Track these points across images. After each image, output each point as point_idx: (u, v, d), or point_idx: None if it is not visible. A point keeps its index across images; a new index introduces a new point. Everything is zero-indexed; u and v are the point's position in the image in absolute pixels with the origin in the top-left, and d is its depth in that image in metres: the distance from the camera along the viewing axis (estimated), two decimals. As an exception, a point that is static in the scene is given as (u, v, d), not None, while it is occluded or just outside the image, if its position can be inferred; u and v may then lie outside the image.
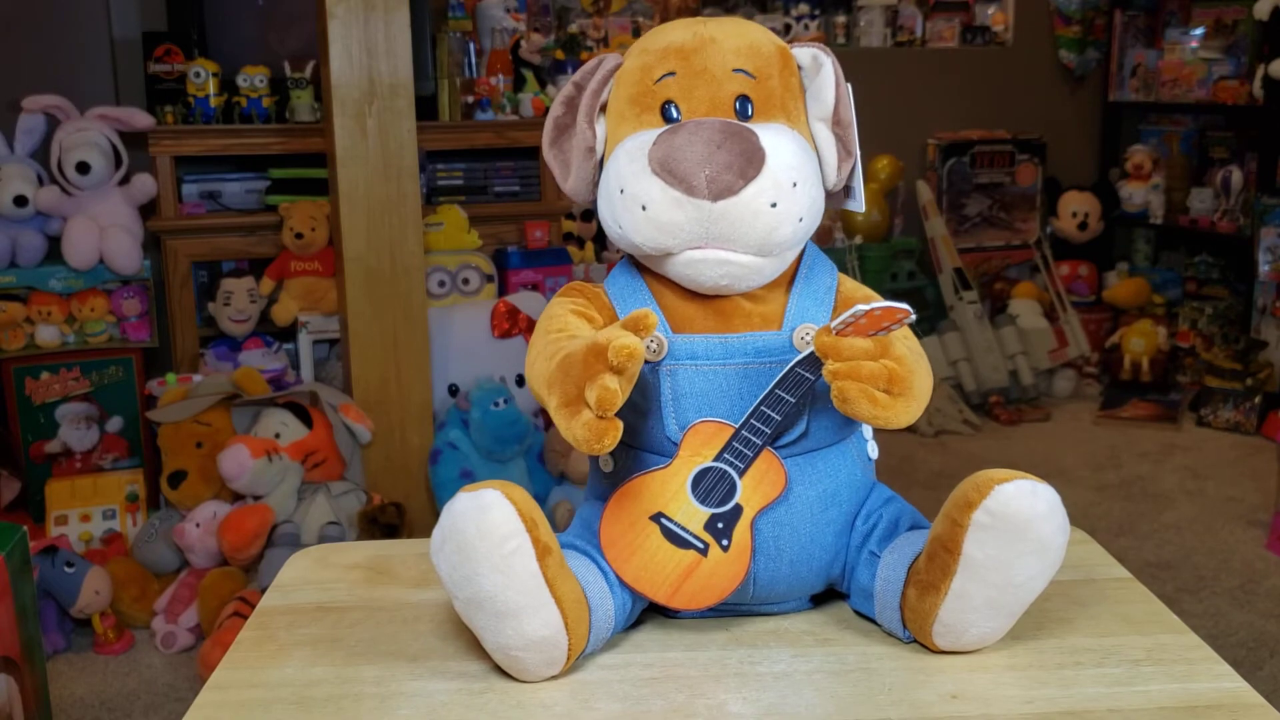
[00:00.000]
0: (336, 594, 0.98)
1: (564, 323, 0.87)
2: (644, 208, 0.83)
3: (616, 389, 0.77)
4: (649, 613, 0.91)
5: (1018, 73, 4.27)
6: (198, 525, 2.32)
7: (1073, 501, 0.78)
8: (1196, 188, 4.04)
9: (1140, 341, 3.89)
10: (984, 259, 4.19)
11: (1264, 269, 3.65)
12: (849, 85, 0.89)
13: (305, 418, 2.41)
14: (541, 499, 2.53)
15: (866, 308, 0.78)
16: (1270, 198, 3.65)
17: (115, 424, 2.83)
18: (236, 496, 2.36)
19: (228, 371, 2.76)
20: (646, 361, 0.85)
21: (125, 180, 2.87)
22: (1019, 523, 0.78)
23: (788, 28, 4.07)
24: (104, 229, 2.79)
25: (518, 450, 2.60)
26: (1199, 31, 4.07)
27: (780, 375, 0.84)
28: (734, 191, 0.81)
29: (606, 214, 0.88)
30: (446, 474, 2.53)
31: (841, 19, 4.18)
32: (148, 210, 2.93)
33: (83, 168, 2.76)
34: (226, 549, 2.26)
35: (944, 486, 0.81)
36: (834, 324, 0.80)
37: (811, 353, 0.83)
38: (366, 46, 2.36)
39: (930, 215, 4.04)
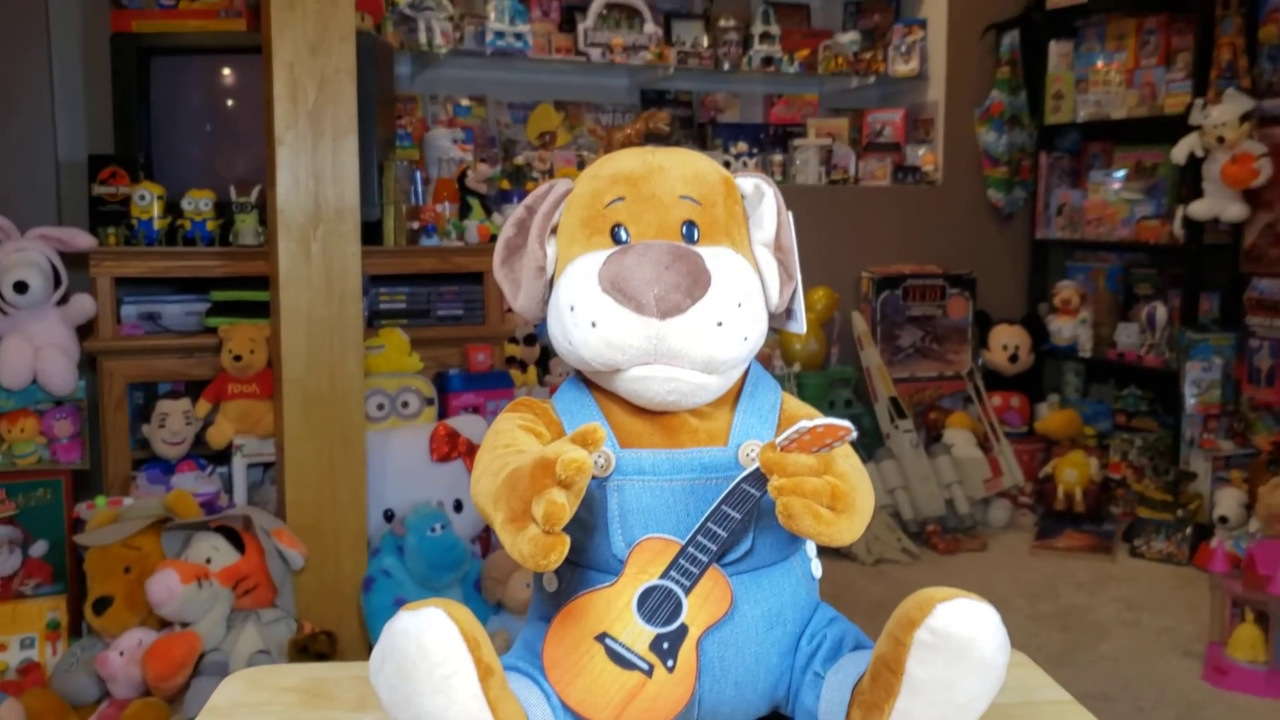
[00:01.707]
0: (272, 718, 0.95)
1: (511, 438, 0.88)
2: (594, 324, 0.84)
3: (564, 503, 0.77)
4: (592, 736, 0.90)
5: (948, 210, 4.41)
6: (121, 653, 2.24)
7: (1011, 631, 0.78)
8: (1123, 323, 4.16)
9: (1073, 472, 3.95)
10: (918, 389, 4.26)
11: (1190, 402, 3.75)
12: (790, 213, 0.92)
13: (237, 542, 2.35)
14: (479, 627, 2.47)
15: (810, 424, 0.79)
16: (1194, 333, 3.77)
17: (39, 548, 2.74)
18: (163, 624, 2.29)
19: (160, 495, 2.70)
20: (593, 477, 0.85)
21: (64, 300, 2.85)
22: (961, 641, 0.78)
23: (727, 164, 4.20)
24: (39, 349, 2.76)
25: (454, 577, 2.55)
26: (1121, 174, 4.26)
27: (726, 491, 0.85)
28: (682, 310, 0.83)
29: (556, 331, 0.89)
30: (380, 602, 2.47)
31: (778, 157, 4.31)
32: (85, 331, 2.91)
33: (20, 287, 2.73)
34: (151, 678, 2.18)
35: (883, 616, 0.82)
36: (779, 440, 0.81)
37: (757, 469, 0.83)
38: (314, 172, 2.39)
39: (865, 345, 4.12)
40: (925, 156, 4.40)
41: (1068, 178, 4.48)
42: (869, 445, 3.97)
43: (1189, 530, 3.61)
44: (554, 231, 0.93)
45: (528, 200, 0.93)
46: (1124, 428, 4.14)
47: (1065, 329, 4.27)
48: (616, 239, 0.89)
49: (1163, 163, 4.03)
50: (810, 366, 4.05)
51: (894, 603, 0.82)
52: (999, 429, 4.11)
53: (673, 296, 0.83)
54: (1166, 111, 3.90)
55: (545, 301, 0.92)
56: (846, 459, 0.86)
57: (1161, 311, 3.98)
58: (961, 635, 0.78)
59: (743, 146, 4.27)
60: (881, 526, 3.67)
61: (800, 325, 0.94)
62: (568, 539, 0.78)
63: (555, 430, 0.91)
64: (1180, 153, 3.70)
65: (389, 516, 2.65)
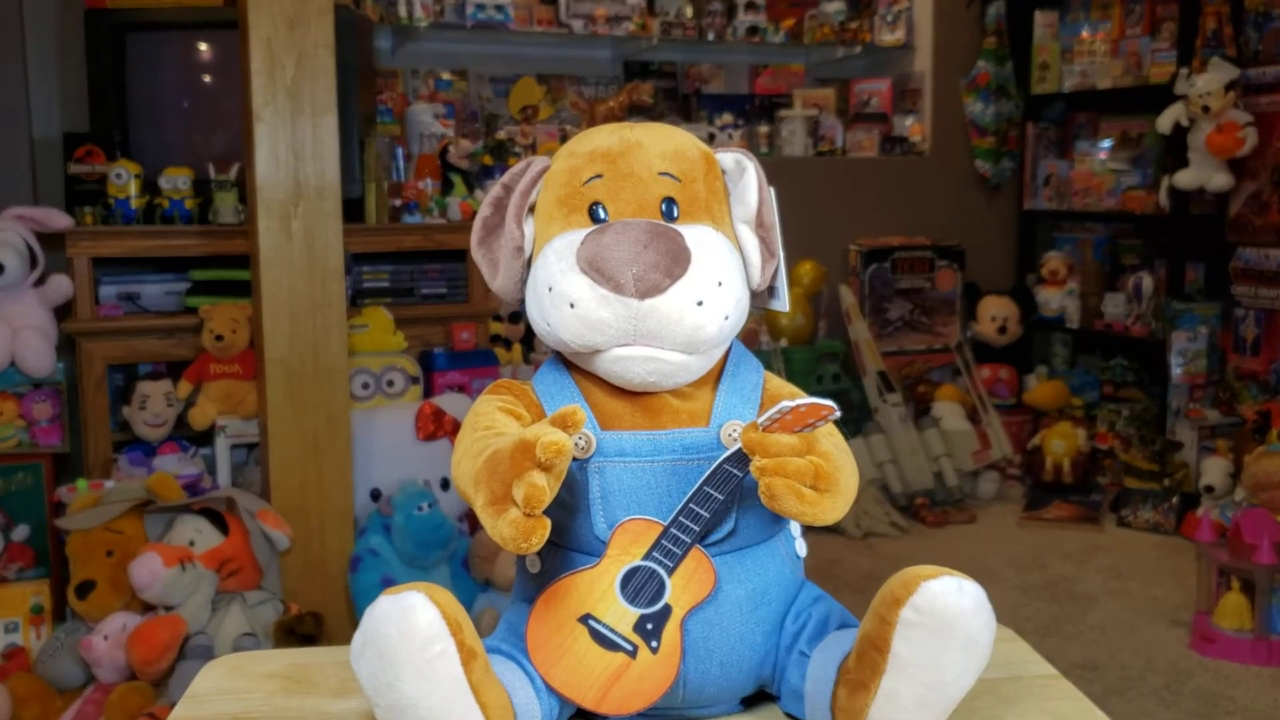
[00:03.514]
0: (252, 705, 0.94)
1: (491, 420, 0.88)
2: (572, 305, 0.85)
3: (544, 486, 0.77)
4: (577, 718, 0.89)
5: (936, 182, 4.41)
6: (106, 638, 2.24)
7: (999, 602, 0.79)
8: (1110, 293, 4.17)
9: (1061, 443, 3.96)
10: (906, 362, 4.27)
11: (1176, 372, 3.76)
12: (772, 189, 0.92)
13: (221, 525, 2.35)
14: (467, 606, 2.46)
15: (792, 404, 0.79)
16: (1180, 303, 3.78)
17: (21, 533, 2.73)
18: (147, 607, 2.29)
19: (141, 477, 2.69)
20: (574, 459, 0.86)
21: (40, 281, 2.83)
22: (946, 619, 0.78)
23: (712, 137, 4.17)
24: (16, 330, 2.73)
25: (441, 556, 2.56)
26: (1107, 144, 4.26)
27: (708, 472, 0.85)
28: (661, 290, 0.83)
29: (535, 312, 0.89)
30: (367, 581, 2.47)
31: (764, 129, 4.29)
32: (63, 312, 2.89)
33: (-4, 268, 2.72)
34: (136, 662, 2.18)
35: (872, 589, 0.83)
36: (760, 420, 0.81)
37: (739, 449, 0.84)
38: (294, 149, 2.37)
39: (853, 319, 4.12)
40: (913, 127, 4.38)
41: (1054, 148, 4.47)
42: (857, 420, 3.98)
43: (1175, 500, 3.62)
44: (532, 210, 0.92)
45: (505, 179, 0.93)
46: (1111, 398, 4.15)
47: (1053, 300, 4.28)
48: (595, 217, 0.89)
49: (1148, 132, 4.03)
50: (797, 341, 4.05)
51: (883, 576, 0.82)
52: (987, 401, 4.12)
53: (651, 276, 0.83)
54: (1152, 81, 3.89)
55: (524, 282, 0.92)
56: (830, 438, 0.87)
57: (1148, 281, 3.99)
58: (947, 613, 0.78)
59: (728, 118, 4.25)
60: (870, 500, 3.68)
61: (783, 303, 0.94)
62: (549, 521, 0.78)
63: (535, 412, 0.91)
64: (1165, 122, 3.70)
65: (375, 496, 2.65)
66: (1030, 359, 4.43)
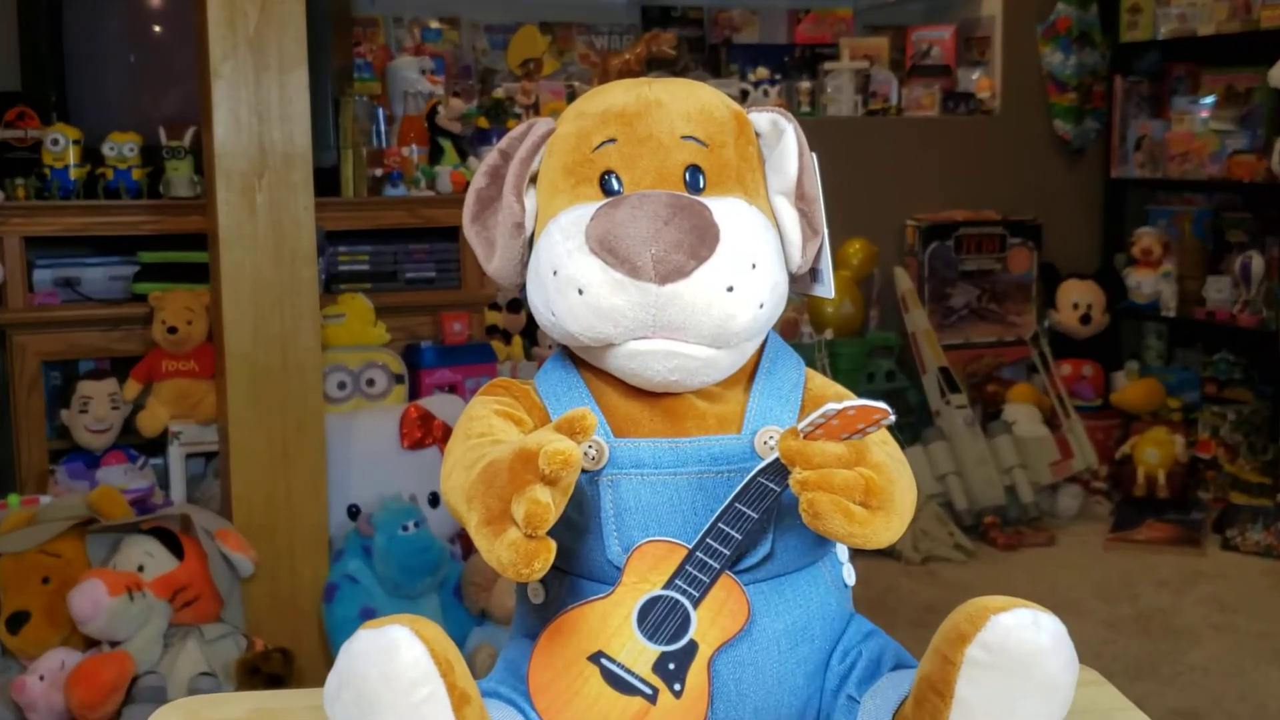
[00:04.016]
0: (210, 756, 0.95)
1: (486, 425, 0.87)
2: (581, 291, 0.84)
3: (549, 502, 0.76)
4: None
5: (1007, 145, 4.38)
6: (41, 678, 2.25)
7: (1082, 639, 0.79)
8: (1213, 276, 4.14)
9: (1155, 452, 3.94)
10: (973, 357, 4.25)
11: (1292, 368, 3.75)
12: (814, 155, 0.91)
13: (175, 547, 2.36)
14: (459, 641, 2.46)
15: (839, 406, 0.78)
16: (1295, 287, 3.76)
17: (-57, 556, 2.75)
18: (90, 642, 2.30)
19: (83, 491, 2.71)
20: (584, 471, 0.85)
21: (-35, 265, 2.85)
22: (1020, 658, 0.77)
23: (745, 94, 4.17)
24: (-63, 322, 2.76)
25: (430, 583, 2.56)
26: (1209, 100, 4.23)
27: (740, 486, 0.85)
28: (684, 273, 0.83)
29: (537, 300, 0.89)
30: (344, 613, 2.48)
31: (806, 84, 4.28)
32: (-9, 300, 2.91)
33: (-86, 250, 2.74)
34: (76, 706, 2.19)
35: (933, 624, 0.82)
36: (801, 425, 0.81)
37: (776, 459, 0.83)
38: (257, 111, 2.38)
39: (911, 307, 4.11)
40: (980, 81, 4.36)
41: (1147, 106, 4.44)
42: (916, 425, 3.97)
43: (1291, 519, 3.62)
44: (534, 181, 0.92)
45: (502, 144, 0.92)
46: (1214, 399, 4.12)
47: (1145, 284, 4.25)
48: (607, 189, 0.89)
49: (1259, 87, 4.00)
50: (845, 333, 4.04)
51: (946, 608, 0.81)
52: (1068, 403, 4.10)
53: (674, 257, 0.82)
54: (1263, 25, 3.86)
55: (525, 264, 0.92)
56: (883, 446, 0.86)
57: (1258, 262, 3.96)
58: (1021, 651, 0.77)
59: (763, 72, 4.24)
60: (931, 519, 3.67)
61: (827, 288, 0.93)
62: (553, 544, 0.77)
63: (538, 416, 0.91)
64: (1278, 74, 3.67)
65: (354, 514, 2.66)
66: (1119, 353, 4.41)
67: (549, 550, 0.77)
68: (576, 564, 0.88)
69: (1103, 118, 4.45)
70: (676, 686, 0.83)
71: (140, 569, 2.31)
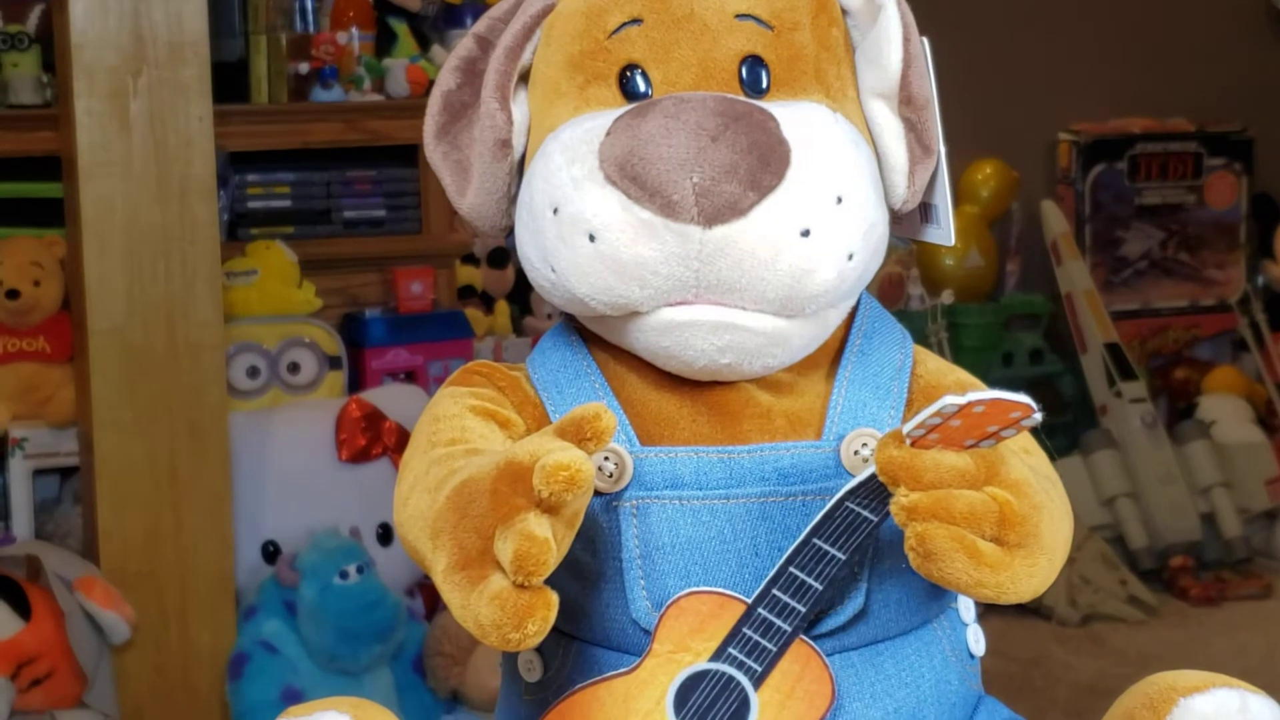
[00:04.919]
0: None
1: (459, 429, 0.85)
2: (592, 238, 0.81)
3: (548, 538, 0.73)
4: None
5: (1204, 23, 4.18)
6: None
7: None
8: None
9: None
10: (1156, 329, 4.12)
11: None
12: (925, 40, 0.88)
13: (18, 602, 2.34)
14: (422, 736, 2.46)
15: (961, 401, 0.75)
16: None
17: None
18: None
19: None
20: (597, 493, 0.83)
21: None
22: (1224, 760, 0.71)
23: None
24: None
25: (380, 653, 2.49)
26: None
27: (821, 515, 0.82)
28: (741, 210, 0.79)
29: (531, 249, 0.86)
30: (258, 695, 2.41)
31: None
32: None
33: None
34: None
35: (1099, 709, 0.80)
36: (907, 428, 0.77)
37: (872, 476, 0.80)
38: (131, -17, 2.30)
39: (1065, 258, 3.96)
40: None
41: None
42: (1073, 426, 3.88)
43: None
44: (525, 80, 0.90)
45: (480, 26, 0.90)
46: None
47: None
48: (630, 90, 0.86)
49: None
50: (971, 295, 3.93)
51: (1114, 686, 0.82)
52: (1293, 395, 4.01)
53: (725, 188, 0.79)
54: None
55: (513, 199, 0.89)
56: (1025, 458, 0.83)
57: None
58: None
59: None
60: (1095, 562, 3.57)
61: (947, 233, 0.90)
62: (554, 598, 0.74)
63: (532, 415, 0.89)
64: None
65: (271, 554, 2.62)
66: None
67: (548, 606, 0.74)
68: (588, 626, 0.87)
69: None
70: (732, 804, 0.74)
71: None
